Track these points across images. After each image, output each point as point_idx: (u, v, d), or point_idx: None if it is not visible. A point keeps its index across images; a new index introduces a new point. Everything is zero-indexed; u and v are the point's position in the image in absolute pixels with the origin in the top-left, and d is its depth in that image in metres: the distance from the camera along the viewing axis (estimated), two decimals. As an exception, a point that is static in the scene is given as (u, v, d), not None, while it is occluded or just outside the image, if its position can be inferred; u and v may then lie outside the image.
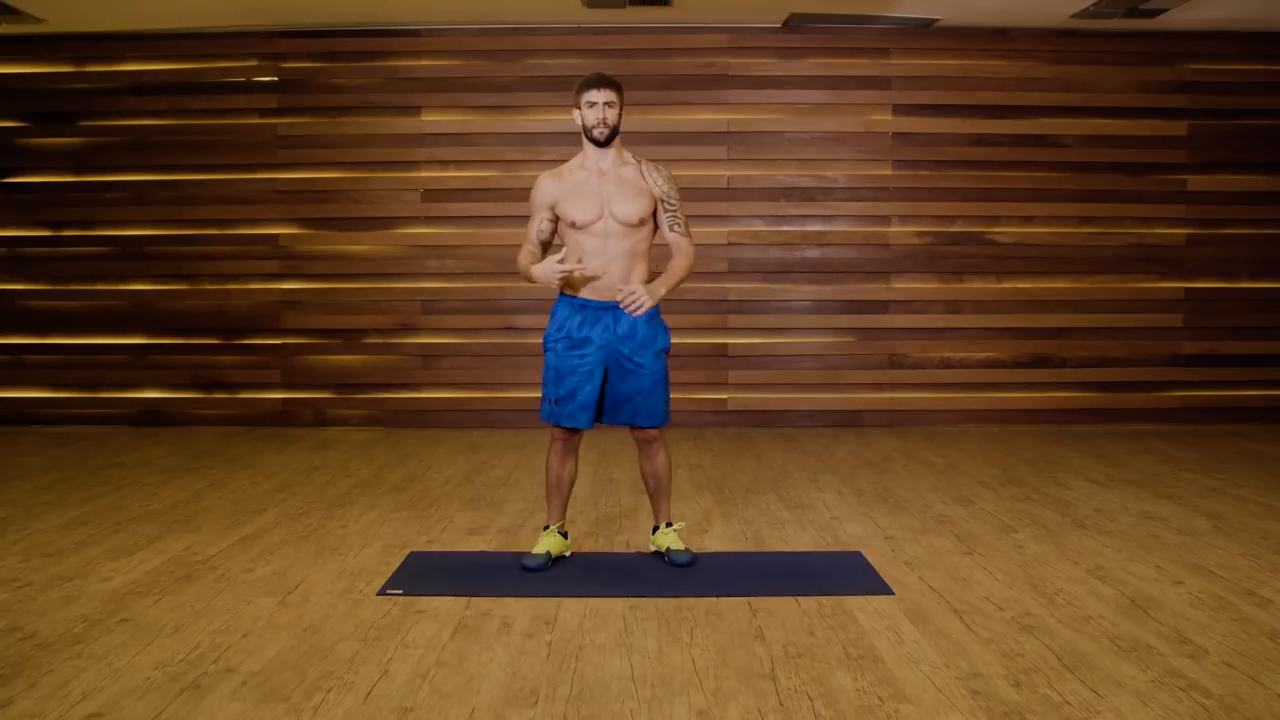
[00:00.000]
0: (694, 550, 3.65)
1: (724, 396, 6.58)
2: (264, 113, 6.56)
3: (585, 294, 3.43)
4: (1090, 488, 4.77)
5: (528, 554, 3.53)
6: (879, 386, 6.60)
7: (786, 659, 2.68)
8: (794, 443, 6.01)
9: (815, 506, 4.42)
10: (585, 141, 3.45)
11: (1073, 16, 6.19)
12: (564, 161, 3.64)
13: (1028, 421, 6.60)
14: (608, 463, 5.31)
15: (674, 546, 3.55)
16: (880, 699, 2.44)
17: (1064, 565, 3.51)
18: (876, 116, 6.55)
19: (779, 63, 6.52)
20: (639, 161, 3.48)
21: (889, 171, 6.56)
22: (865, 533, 3.97)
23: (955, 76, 6.52)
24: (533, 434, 6.27)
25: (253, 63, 6.59)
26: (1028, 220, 6.58)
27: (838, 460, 5.46)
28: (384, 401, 6.61)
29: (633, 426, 3.48)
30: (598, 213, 3.38)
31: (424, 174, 6.56)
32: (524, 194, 6.54)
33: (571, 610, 3.06)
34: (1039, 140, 6.56)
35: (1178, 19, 6.18)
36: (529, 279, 3.44)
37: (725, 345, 6.56)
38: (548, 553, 3.51)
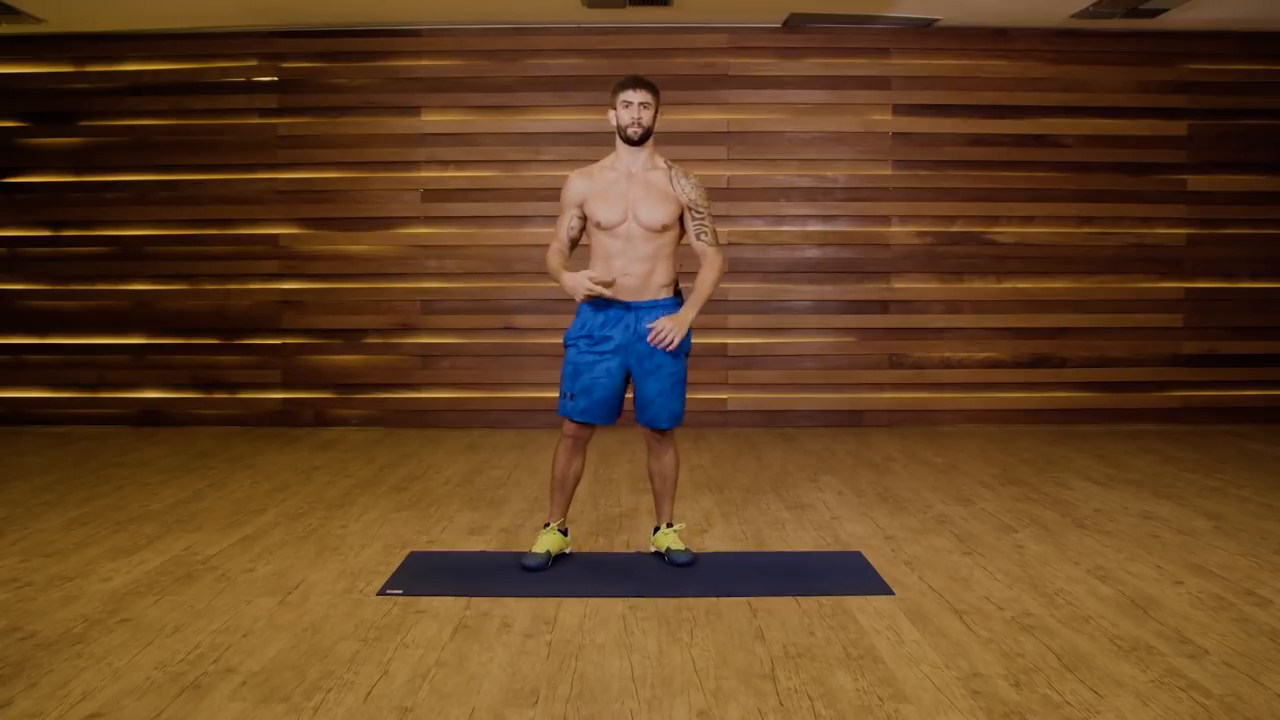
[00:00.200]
0: (694, 550, 3.65)
1: (724, 396, 6.58)
2: (264, 113, 6.56)
3: (607, 293, 3.43)
4: (1090, 488, 4.77)
5: (527, 554, 3.53)
6: (879, 386, 6.60)
7: (786, 659, 2.68)
8: (794, 443, 6.01)
9: (815, 506, 4.42)
10: (618, 142, 3.45)
11: (1073, 16, 6.20)
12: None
13: (1028, 421, 6.60)
14: (608, 463, 5.31)
15: (674, 546, 3.56)
16: (880, 699, 2.44)
17: (1064, 565, 3.51)
18: (876, 116, 6.55)
19: (779, 63, 6.52)
20: (669, 167, 3.48)
21: (889, 171, 6.56)
22: (865, 533, 3.97)
23: (955, 76, 6.52)
24: (532, 434, 6.27)
25: (253, 63, 6.59)
26: (1028, 220, 6.58)
27: (838, 460, 5.46)
28: (384, 401, 6.61)
29: (652, 427, 3.51)
30: (622, 215, 3.39)
31: (424, 174, 6.56)
32: (524, 194, 6.64)
33: (571, 610, 3.06)
34: (1039, 140, 6.56)
35: (1178, 19, 6.18)
36: (557, 281, 3.43)
37: (725, 345, 6.56)
38: (547, 552, 3.52)
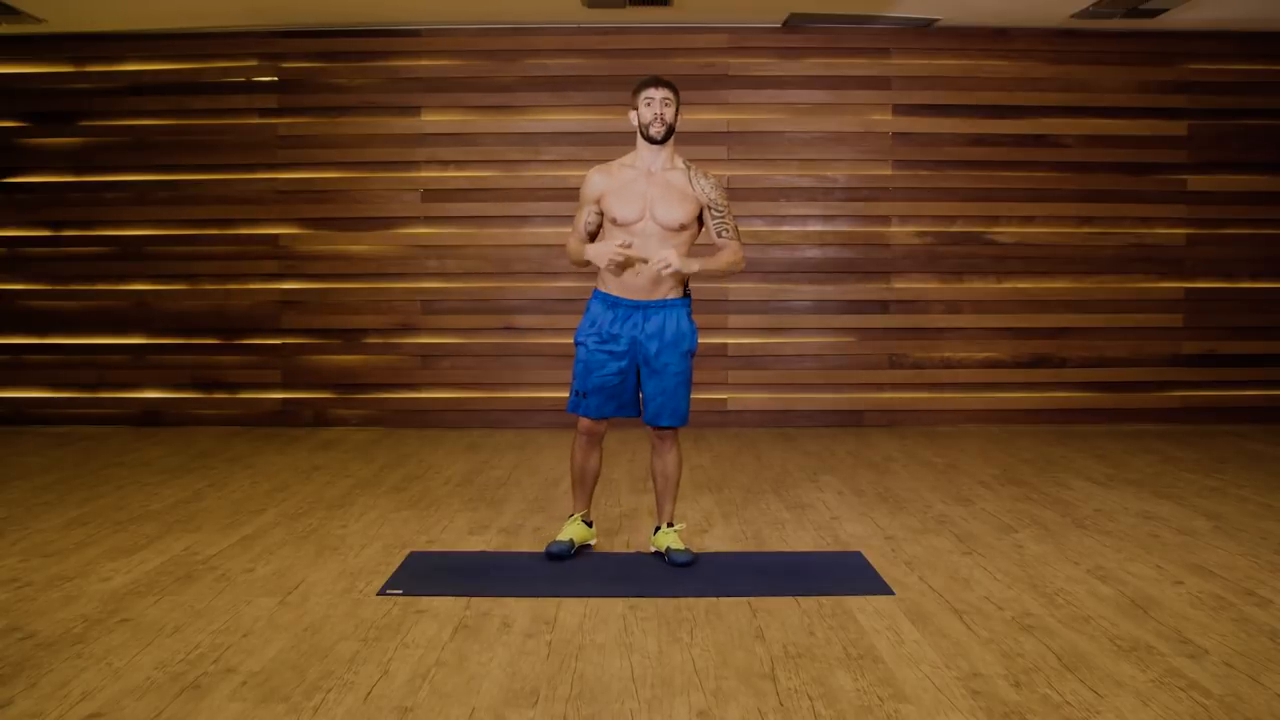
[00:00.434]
0: (694, 550, 3.65)
1: (724, 396, 6.58)
2: (264, 113, 6.56)
3: (618, 292, 3.50)
4: (1090, 488, 4.77)
5: (552, 542, 3.64)
6: (879, 386, 6.60)
7: (786, 659, 2.68)
8: (794, 443, 6.01)
9: (815, 506, 4.42)
10: (639, 141, 3.48)
11: (1073, 16, 6.19)
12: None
13: (1028, 421, 6.60)
14: (608, 463, 5.30)
15: (674, 546, 3.56)
16: (880, 699, 2.44)
17: (1064, 565, 3.51)
18: (876, 116, 6.55)
19: (779, 63, 6.52)
20: (688, 167, 3.51)
21: (889, 171, 6.56)
22: (865, 533, 3.97)
23: (955, 76, 6.52)
24: (532, 434, 6.27)
25: (253, 63, 6.59)
26: (1028, 220, 6.58)
27: (838, 460, 5.46)
28: (384, 401, 6.61)
29: (655, 425, 3.55)
30: (640, 213, 3.42)
31: (424, 174, 6.56)
32: (524, 194, 6.64)
33: (571, 610, 3.06)
34: (1039, 140, 6.56)
35: (1178, 19, 6.18)
36: (580, 261, 3.50)
37: (725, 345, 6.56)
38: (570, 540, 3.63)
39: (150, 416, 6.62)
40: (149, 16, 6.20)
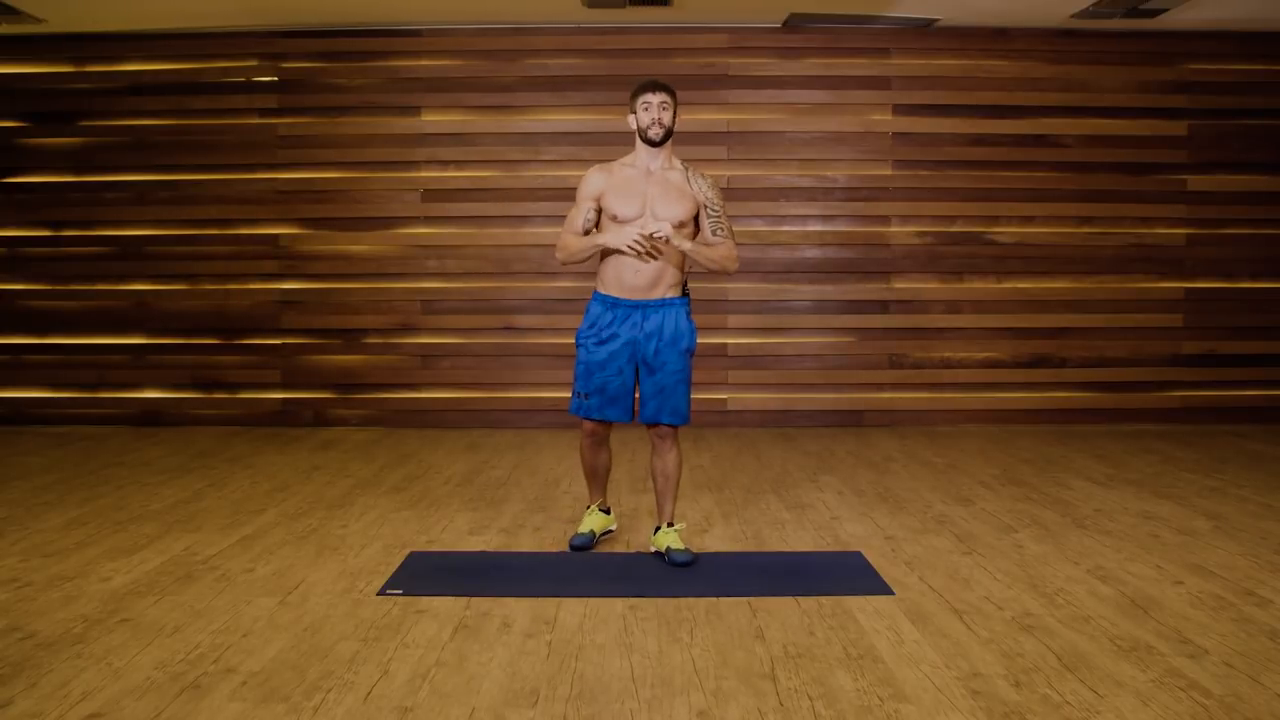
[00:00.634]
0: (694, 550, 3.66)
1: (724, 396, 6.58)
2: (264, 113, 6.56)
3: (617, 293, 3.54)
4: (1090, 488, 4.77)
5: (575, 534, 3.74)
6: (879, 386, 6.60)
7: (786, 659, 2.68)
8: (794, 443, 6.01)
9: (815, 506, 4.42)
10: (638, 142, 3.54)
11: (1073, 16, 6.19)
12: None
13: (1028, 421, 6.60)
14: (608, 463, 5.31)
15: (674, 546, 3.57)
16: (880, 699, 2.44)
17: (1064, 565, 3.51)
18: (876, 116, 6.55)
19: (779, 63, 6.52)
20: (686, 168, 3.58)
21: (889, 171, 6.56)
22: (865, 533, 3.97)
23: (955, 76, 6.52)
24: (532, 434, 6.27)
25: (253, 63, 6.59)
26: (1028, 220, 6.58)
27: (838, 460, 5.46)
28: (384, 401, 6.61)
29: (655, 424, 3.58)
30: (640, 210, 3.47)
31: (424, 174, 6.56)
32: (524, 194, 6.64)
33: (571, 610, 3.06)
34: (1039, 140, 6.56)
35: (1178, 19, 6.18)
36: (585, 251, 3.47)
37: (725, 345, 6.56)
38: (591, 531, 3.75)
39: (150, 416, 6.62)
40: (149, 16, 6.20)
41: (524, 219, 6.52)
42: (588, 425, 3.66)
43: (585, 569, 3.51)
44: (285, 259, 6.58)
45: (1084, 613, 3.03)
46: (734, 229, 3.79)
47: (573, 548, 3.70)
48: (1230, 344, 6.65)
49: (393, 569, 3.47)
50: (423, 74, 6.53)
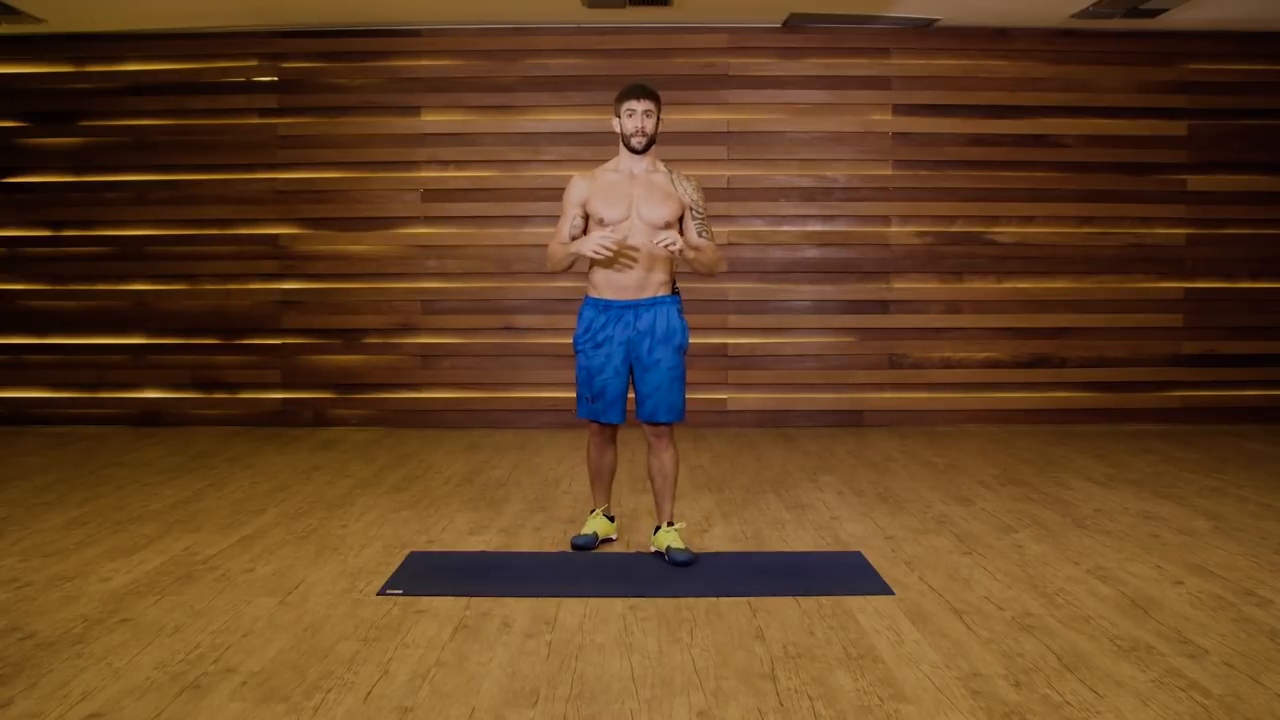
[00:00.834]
0: (694, 550, 3.66)
1: (724, 396, 6.58)
2: (264, 113, 6.56)
3: (608, 295, 3.57)
4: (1090, 488, 4.77)
5: (578, 534, 3.76)
6: (879, 386, 6.60)
7: (786, 659, 2.68)
8: (794, 443, 6.01)
9: (815, 506, 4.42)
10: (621, 147, 3.58)
11: (1073, 16, 6.19)
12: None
13: (1028, 421, 6.60)
14: (608, 463, 5.31)
15: (674, 545, 3.57)
16: (880, 699, 2.44)
17: (1064, 565, 3.51)
18: (876, 116, 6.55)
19: (779, 63, 6.52)
20: (670, 170, 3.62)
21: (889, 171, 6.56)
22: (865, 533, 3.97)
23: (955, 76, 6.52)
24: (532, 434, 6.27)
25: (253, 63, 6.59)
26: (1028, 220, 6.58)
27: (838, 460, 5.46)
28: (384, 401, 6.61)
29: (651, 422, 3.60)
30: (625, 213, 3.51)
31: (424, 174, 6.56)
32: (524, 194, 6.64)
33: (571, 610, 3.06)
34: (1039, 140, 6.56)
35: (1178, 19, 6.18)
36: (565, 260, 3.54)
37: (725, 345, 6.56)
38: (594, 533, 3.76)
39: (150, 416, 6.62)
40: (149, 16, 6.20)
41: (524, 219, 6.52)
42: (594, 426, 3.71)
43: (585, 569, 3.51)
44: (285, 259, 6.58)
45: (1084, 613, 3.03)
46: (725, 230, 3.83)
47: (574, 547, 3.71)
48: (1230, 344, 6.65)
49: (393, 569, 3.47)
50: (423, 74, 6.53)
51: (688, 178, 3.61)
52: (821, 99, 6.54)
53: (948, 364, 6.62)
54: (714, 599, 3.16)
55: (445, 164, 6.54)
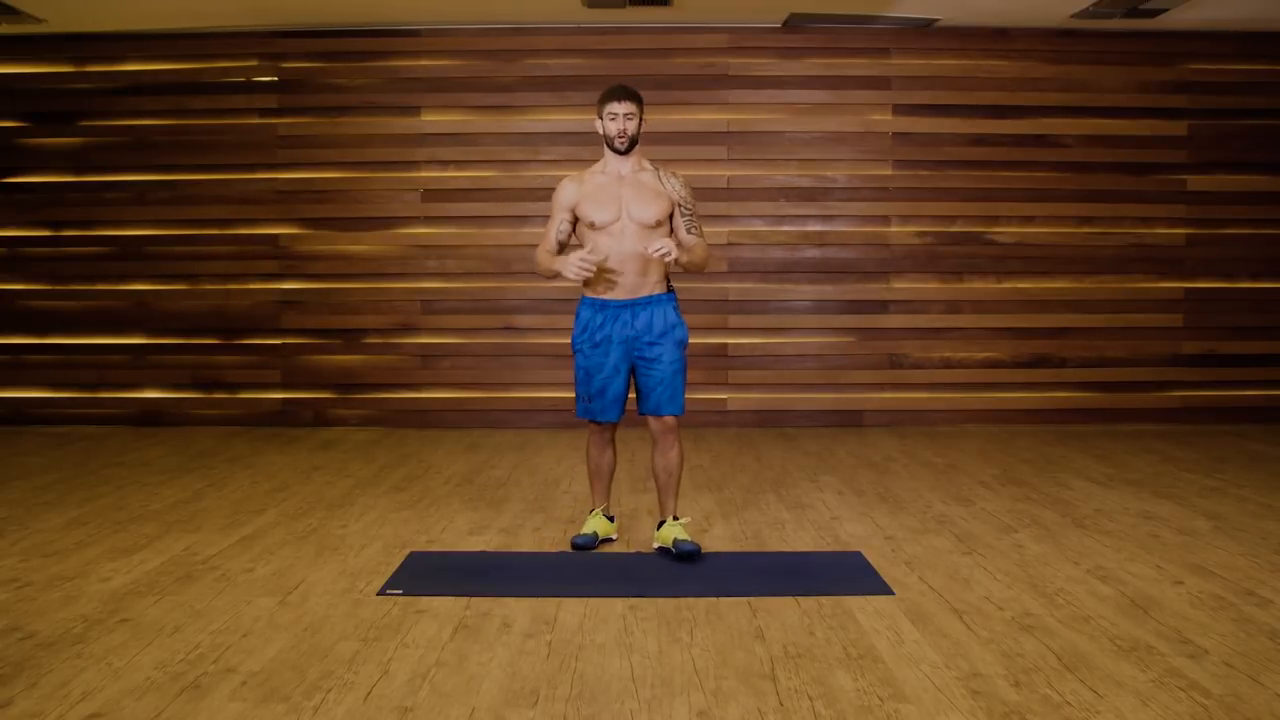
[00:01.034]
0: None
1: (724, 396, 6.58)
2: (264, 113, 6.56)
3: (604, 295, 3.59)
4: (1090, 488, 4.77)
5: (578, 534, 3.76)
6: (879, 386, 6.60)
7: (786, 659, 2.68)
8: (794, 443, 6.01)
9: (815, 506, 4.42)
10: (606, 148, 3.61)
11: (1073, 16, 6.19)
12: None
13: (1028, 421, 6.60)
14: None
15: (680, 536, 3.60)
16: (880, 699, 2.44)
17: (1064, 565, 3.51)
18: (876, 116, 6.55)
19: (779, 63, 6.52)
20: (657, 168, 3.64)
21: (889, 171, 6.56)
22: (865, 533, 3.97)
23: (955, 76, 6.52)
24: (532, 434, 6.27)
25: (253, 63, 6.59)
26: (1028, 220, 6.58)
27: (838, 460, 5.46)
28: (384, 401, 6.61)
29: (656, 416, 3.62)
30: (616, 214, 3.53)
31: (424, 174, 6.56)
32: (524, 194, 6.64)
33: (571, 610, 3.06)
34: (1039, 140, 6.56)
35: (1178, 19, 6.18)
36: (549, 273, 3.57)
37: (725, 345, 6.56)
38: (594, 532, 3.75)
39: (150, 416, 6.62)
40: (149, 16, 6.20)
41: (524, 219, 6.52)
42: (593, 425, 3.72)
43: (585, 569, 3.51)
44: (285, 259, 6.58)
45: (1084, 613, 3.03)
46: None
47: (574, 546, 3.71)
48: (1230, 344, 6.64)
49: (393, 569, 3.47)
50: (423, 74, 6.53)
51: (675, 175, 3.64)
52: (821, 99, 6.54)
53: (947, 364, 6.62)
54: (714, 599, 3.16)
55: (445, 164, 6.54)
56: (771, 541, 3.88)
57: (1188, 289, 6.65)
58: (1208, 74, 6.57)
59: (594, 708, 2.40)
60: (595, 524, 3.80)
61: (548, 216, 3.44)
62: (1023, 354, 6.62)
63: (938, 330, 6.60)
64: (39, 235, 6.64)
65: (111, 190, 6.61)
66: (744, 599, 3.15)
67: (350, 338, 6.60)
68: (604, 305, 3.58)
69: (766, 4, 6.07)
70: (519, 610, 3.06)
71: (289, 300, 6.60)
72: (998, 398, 6.61)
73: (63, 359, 6.64)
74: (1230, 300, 6.66)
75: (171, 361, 6.61)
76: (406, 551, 3.69)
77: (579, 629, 2.91)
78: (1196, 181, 6.61)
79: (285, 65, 6.56)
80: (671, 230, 3.62)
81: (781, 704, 2.42)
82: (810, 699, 2.44)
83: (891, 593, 3.22)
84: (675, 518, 3.70)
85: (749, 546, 3.81)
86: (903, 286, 6.59)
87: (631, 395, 3.69)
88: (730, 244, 6.49)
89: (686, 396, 3.70)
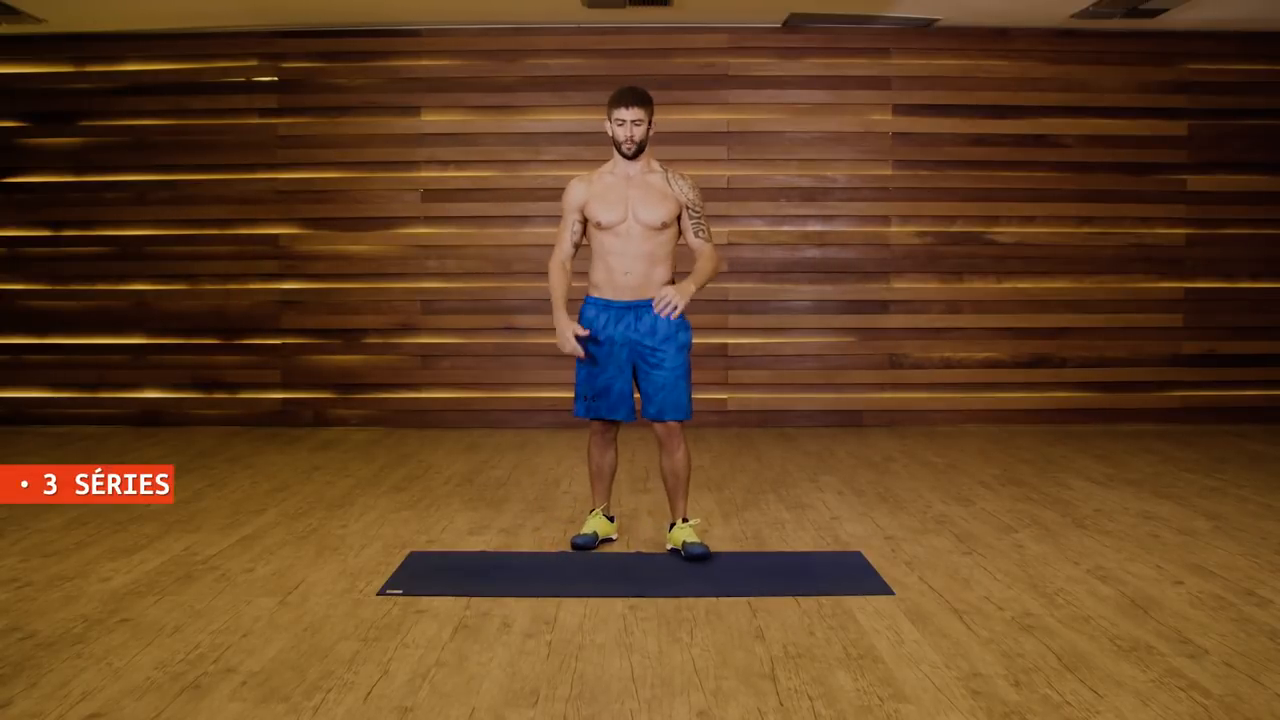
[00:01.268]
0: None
1: (724, 396, 6.58)
2: (264, 113, 6.56)
3: (609, 295, 3.60)
4: (1090, 488, 4.77)
5: (578, 534, 3.76)
6: (879, 386, 6.60)
7: (786, 659, 2.68)
8: (794, 443, 6.01)
9: (815, 506, 4.42)
10: (615, 149, 3.61)
11: (1073, 16, 6.19)
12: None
13: (1028, 421, 6.60)
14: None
15: (689, 539, 3.60)
16: (880, 699, 2.44)
17: (1064, 565, 3.51)
18: (876, 116, 6.55)
19: (779, 63, 6.52)
20: (665, 169, 3.64)
21: (889, 171, 6.56)
22: (865, 533, 3.97)
23: (955, 76, 6.52)
24: (532, 434, 6.27)
25: (253, 63, 6.59)
26: (1028, 220, 6.58)
27: (838, 460, 5.46)
28: (384, 401, 6.61)
29: (659, 421, 3.62)
30: (622, 215, 3.54)
31: (424, 174, 6.56)
32: (524, 194, 6.65)
33: (571, 610, 3.06)
34: (1039, 140, 6.56)
35: (1178, 19, 6.18)
36: (553, 304, 3.62)
37: (725, 345, 6.56)
38: (594, 533, 3.75)
39: (150, 416, 6.62)
40: (149, 16, 6.20)
41: (524, 219, 6.52)
42: (595, 425, 3.72)
43: (585, 569, 3.51)
44: (285, 259, 6.58)
45: (1084, 613, 3.03)
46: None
47: (574, 546, 3.70)
48: (1230, 344, 6.64)
49: (393, 569, 3.47)
50: (423, 74, 6.53)
51: (684, 176, 3.63)
52: (821, 99, 6.54)
53: (948, 364, 6.62)
54: (714, 599, 3.16)
55: (445, 164, 6.54)
56: (771, 541, 3.88)
57: (1188, 289, 6.65)
58: (1208, 74, 6.56)
59: (594, 708, 2.40)
60: (595, 524, 3.80)
61: (548, 216, 3.48)
62: (1023, 354, 6.62)
63: (938, 330, 6.60)
64: (39, 235, 6.64)
65: (111, 190, 6.60)
66: (744, 599, 3.15)
67: (350, 338, 6.60)
68: (608, 305, 3.59)
69: (766, 4, 6.07)
70: (519, 610, 3.06)
71: (289, 300, 6.60)
72: (998, 398, 6.61)
73: (63, 359, 6.64)
74: (1230, 300, 6.65)
75: (171, 361, 6.61)
76: (406, 551, 3.69)
77: (579, 629, 2.91)
78: (1196, 181, 6.60)
79: (285, 65, 6.56)
80: (679, 232, 3.62)
81: (781, 704, 2.42)
82: (810, 699, 2.44)
83: (891, 593, 3.22)
84: (685, 519, 3.70)
85: (749, 546, 3.81)
86: (903, 286, 6.59)
87: (635, 396, 3.69)
88: (730, 244, 6.48)
89: None
